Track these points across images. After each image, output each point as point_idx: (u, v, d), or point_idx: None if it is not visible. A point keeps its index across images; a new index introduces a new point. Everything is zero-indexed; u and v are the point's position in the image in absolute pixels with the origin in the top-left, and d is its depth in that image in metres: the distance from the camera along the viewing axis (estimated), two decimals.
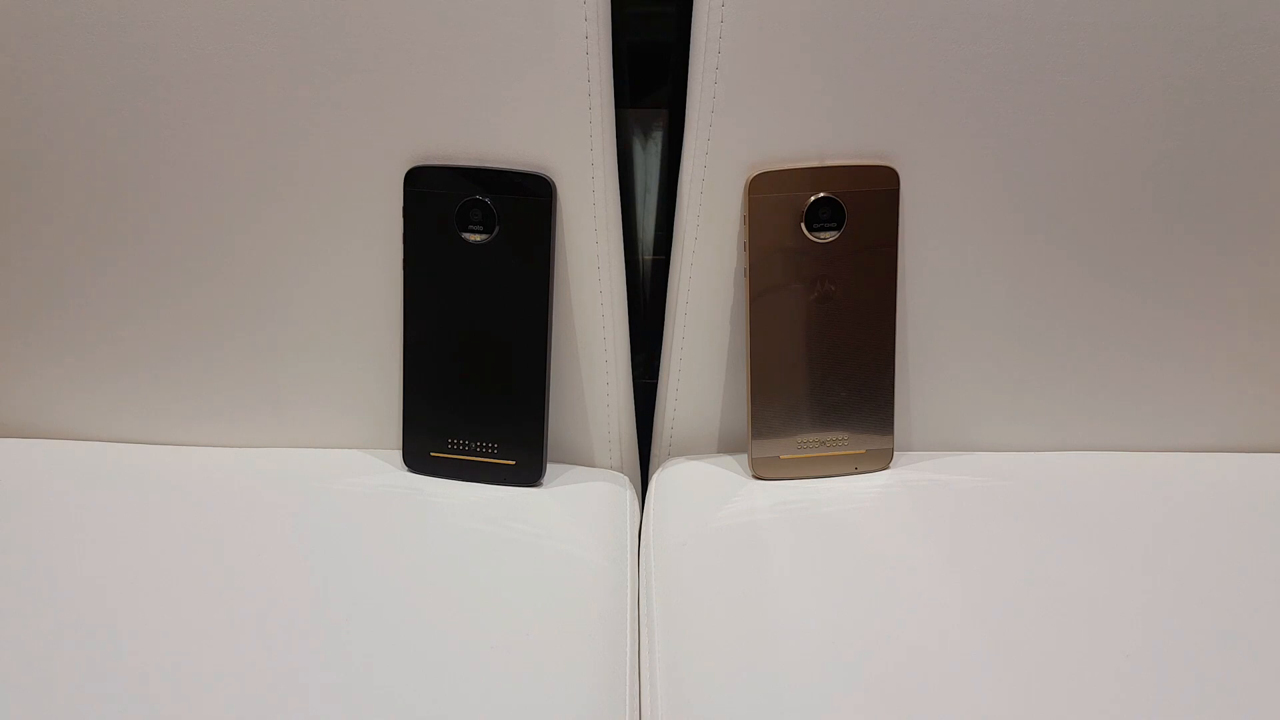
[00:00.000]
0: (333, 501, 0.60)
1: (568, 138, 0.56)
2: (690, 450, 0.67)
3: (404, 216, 0.58)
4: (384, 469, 0.63)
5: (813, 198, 0.57)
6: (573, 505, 0.61)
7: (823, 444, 0.62)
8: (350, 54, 0.54)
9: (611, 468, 0.66)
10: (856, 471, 0.63)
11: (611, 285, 0.61)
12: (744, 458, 0.64)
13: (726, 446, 0.67)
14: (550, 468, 0.63)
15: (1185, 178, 0.58)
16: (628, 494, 0.64)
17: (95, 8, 0.53)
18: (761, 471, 0.63)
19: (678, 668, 0.50)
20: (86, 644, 0.49)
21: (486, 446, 0.61)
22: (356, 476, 0.62)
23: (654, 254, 0.78)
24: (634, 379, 0.66)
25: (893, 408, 0.63)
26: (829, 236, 0.58)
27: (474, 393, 0.61)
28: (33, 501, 0.60)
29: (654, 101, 0.78)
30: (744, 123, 0.56)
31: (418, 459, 0.63)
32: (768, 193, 0.57)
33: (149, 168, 0.57)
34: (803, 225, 0.58)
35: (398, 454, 0.63)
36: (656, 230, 0.78)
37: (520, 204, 0.57)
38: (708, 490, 0.63)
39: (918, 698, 0.47)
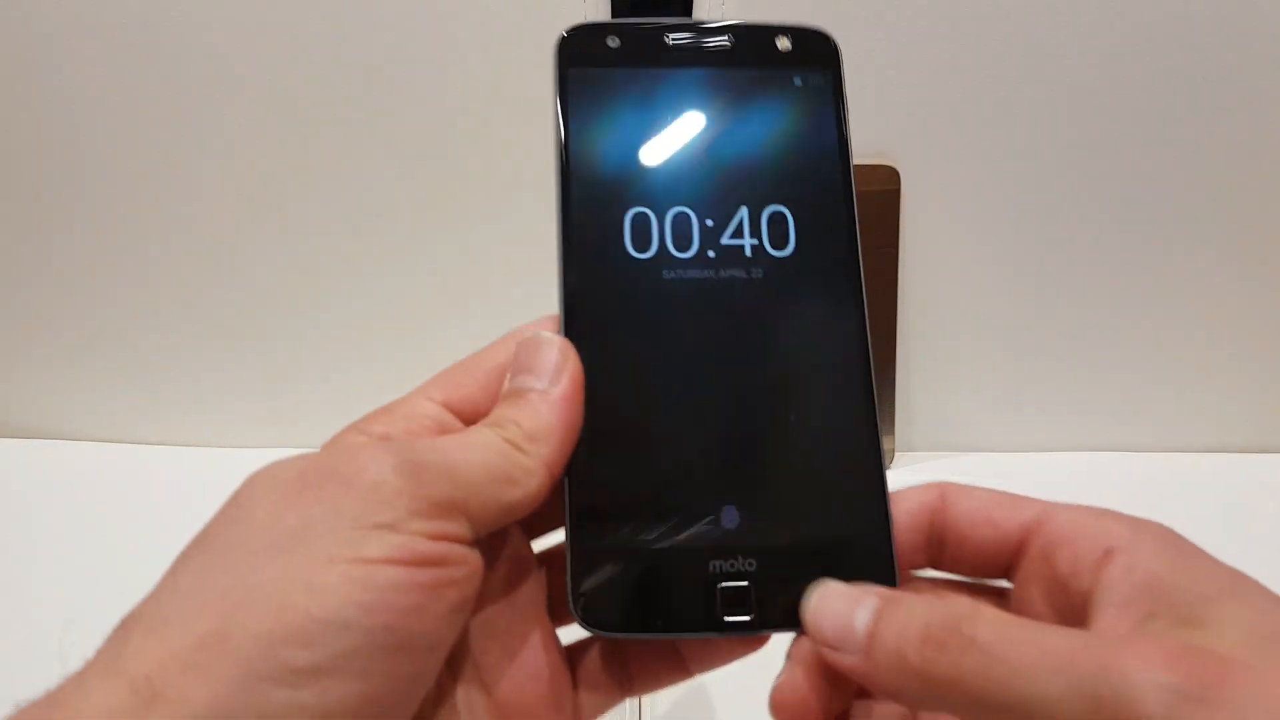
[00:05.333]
0: None
1: None
2: None
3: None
4: None
5: None
6: None
7: None
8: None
9: None
10: None
11: None
12: None
13: None
14: None
15: (1186, 177, 0.58)
16: None
17: (117, 7, 0.53)
18: None
19: None
20: (87, 646, 0.48)
21: None
22: None
23: None
24: None
25: (893, 408, 0.63)
26: None
27: None
28: (33, 502, 0.60)
29: None
30: None
31: None
32: None
33: (159, 170, 0.57)
34: None
35: None
36: None
37: None
38: None
39: None
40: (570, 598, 0.30)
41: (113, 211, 0.59)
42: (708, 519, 0.31)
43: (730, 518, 0.31)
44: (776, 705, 0.29)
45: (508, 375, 0.31)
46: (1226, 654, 0.24)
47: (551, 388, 0.30)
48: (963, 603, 0.27)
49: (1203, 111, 0.56)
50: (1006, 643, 0.25)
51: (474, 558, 0.28)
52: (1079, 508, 0.31)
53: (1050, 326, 0.62)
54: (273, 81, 0.55)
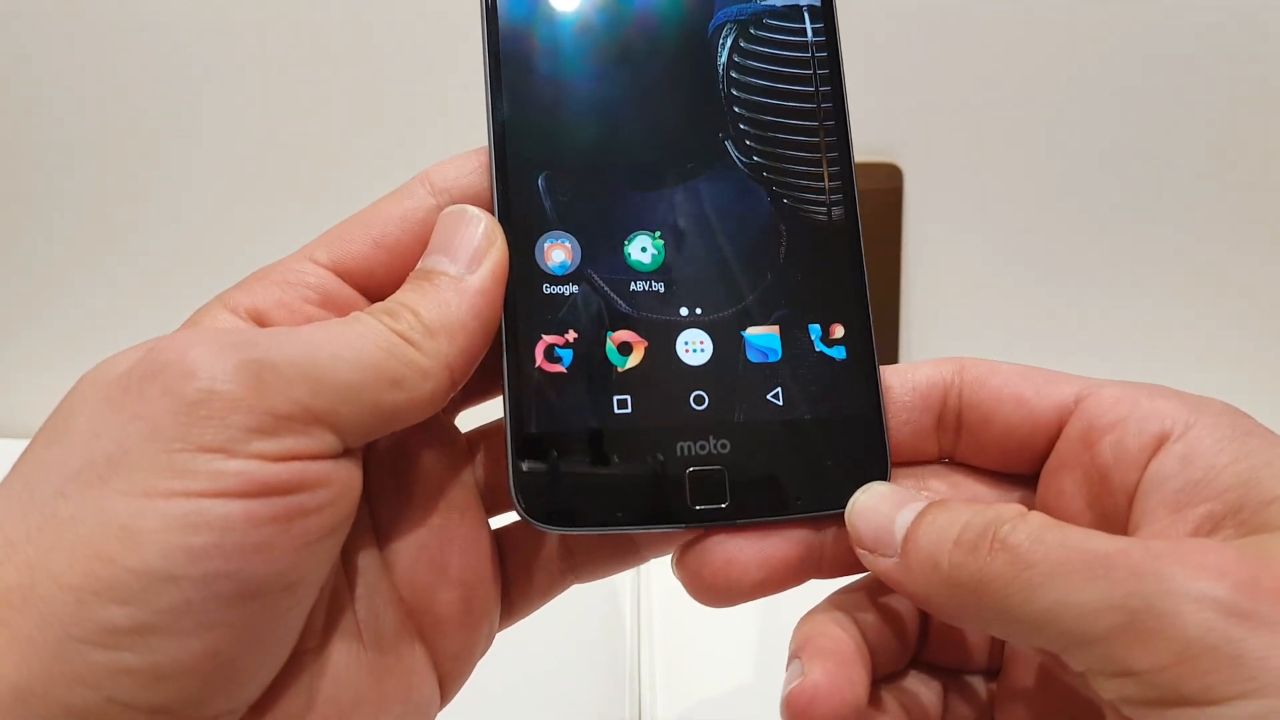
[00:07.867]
0: None
1: None
2: None
3: None
4: None
5: None
6: None
7: None
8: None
9: None
10: None
11: None
12: None
13: None
14: None
15: (1190, 174, 0.58)
16: None
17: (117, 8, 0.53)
18: None
19: (678, 662, 0.49)
20: None
21: None
22: None
23: None
24: None
25: None
26: None
27: None
28: None
29: None
30: None
31: None
32: None
33: (158, 170, 0.57)
34: None
35: None
36: None
37: None
38: None
39: None
40: (512, 490, 0.26)
41: (116, 212, 0.59)
42: (672, 395, 0.26)
43: (699, 392, 0.27)
44: (796, 709, 0.25)
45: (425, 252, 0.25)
46: None
47: (467, 275, 0.25)
48: (1010, 508, 0.22)
49: (1209, 107, 0.56)
50: (1040, 545, 0.21)
51: (343, 474, 0.23)
52: (1129, 384, 0.25)
53: (1053, 325, 0.62)
54: (287, 81, 0.55)
